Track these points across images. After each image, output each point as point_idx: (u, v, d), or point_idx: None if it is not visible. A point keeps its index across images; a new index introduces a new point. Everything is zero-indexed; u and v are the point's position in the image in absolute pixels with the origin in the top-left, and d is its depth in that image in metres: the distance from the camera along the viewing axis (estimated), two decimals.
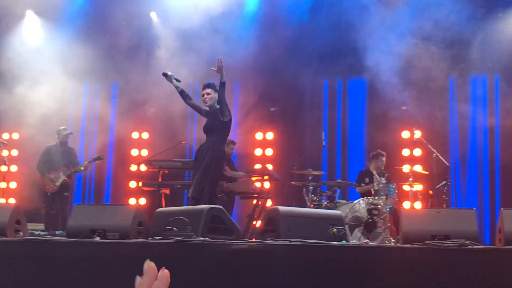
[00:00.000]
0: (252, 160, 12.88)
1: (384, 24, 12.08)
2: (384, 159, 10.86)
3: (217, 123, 7.90)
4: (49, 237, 6.23)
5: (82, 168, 11.20)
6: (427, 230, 5.56)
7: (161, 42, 13.00)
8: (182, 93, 8.23)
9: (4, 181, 11.85)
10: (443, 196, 10.49)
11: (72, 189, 12.64)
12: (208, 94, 8.04)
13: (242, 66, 12.64)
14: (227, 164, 10.35)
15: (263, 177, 10.77)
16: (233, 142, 11.28)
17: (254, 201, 10.67)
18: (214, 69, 7.87)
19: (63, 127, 11.28)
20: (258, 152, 13.01)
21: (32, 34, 13.08)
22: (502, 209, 5.76)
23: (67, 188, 11.15)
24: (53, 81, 12.55)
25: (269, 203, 11.04)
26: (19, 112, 12.42)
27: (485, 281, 4.78)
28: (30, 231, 7.88)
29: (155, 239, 5.54)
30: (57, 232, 9.85)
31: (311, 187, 10.30)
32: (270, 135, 13.04)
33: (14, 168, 12.92)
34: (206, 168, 7.72)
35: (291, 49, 12.59)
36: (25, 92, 12.36)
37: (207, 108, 8.16)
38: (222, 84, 7.86)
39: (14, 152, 13.11)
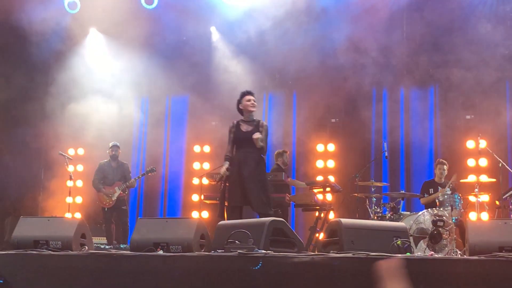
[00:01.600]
0: (314, 172, 12.82)
1: (447, 32, 11.91)
2: (445, 167, 10.66)
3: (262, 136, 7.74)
4: (113, 251, 6.31)
5: (136, 179, 11.41)
6: (494, 241, 5.41)
7: (221, 56, 13.13)
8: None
9: (70, 195, 12.10)
10: (511, 207, 10.20)
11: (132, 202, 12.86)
12: (254, 101, 7.94)
13: (303, 77, 12.65)
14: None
15: (325, 189, 10.68)
16: (285, 151, 11.29)
17: (317, 213, 10.60)
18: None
19: (112, 142, 11.47)
20: (319, 164, 12.95)
21: (96, 51, 13.39)
22: None
23: (124, 202, 11.34)
24: (116, 97, 12.82)
25: (331, 215, 10.96)
26: (84, 128, 12.71)
27: None
28: (95, 245, 8.02)
29: (217, 252, 5.55)
30: (122, 246, 10.01)
31: (374, 199, 10.18)
32: (331, 147, 12.96)
33: (79, 183, 13.20)
34: (263, 182, 7.75)
35: (352, 59, 12.52)
36: (90, 108, 12.66)
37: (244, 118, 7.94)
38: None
39: (80, 168, 13.40)
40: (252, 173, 7.71)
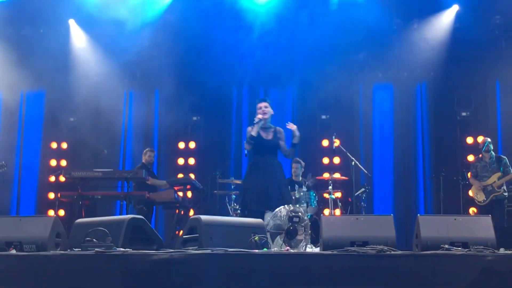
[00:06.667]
0: (175, 170, 12.81)
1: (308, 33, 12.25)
2: (299, 166, 10.95)
3: (280, 145, 7.96)
4: None
5: None
6: (346, 236, 5.64)
7: (80, 50, 12.80)
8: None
9: None
10: (362, 203, 10.69)
11: None
12: (266, 107, 7.94)
13: (164, 74, 12.59)
14: (148, 173, 10.25)
15: (185, 187, 10.73)
16: (151, 150, 11.19)
17: (177, 211, 10.61)
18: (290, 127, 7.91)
19: None
20: (180, 161, 12.94)
21: None
22: (418, 215, 5.89)
23: None
24: None
25: (191, 212, 11.01)
26: None
27: (403, 286, 4.88)
28: None
29: (74, 250, 5.43)
30: None
31: (234, 196, 10.32)
32: (192, 145, 13.00)
33: None
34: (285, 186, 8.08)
35: (213, 58, 12.61)
36: None
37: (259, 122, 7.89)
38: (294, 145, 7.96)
39: None
40: (278, 179, 7.89)
